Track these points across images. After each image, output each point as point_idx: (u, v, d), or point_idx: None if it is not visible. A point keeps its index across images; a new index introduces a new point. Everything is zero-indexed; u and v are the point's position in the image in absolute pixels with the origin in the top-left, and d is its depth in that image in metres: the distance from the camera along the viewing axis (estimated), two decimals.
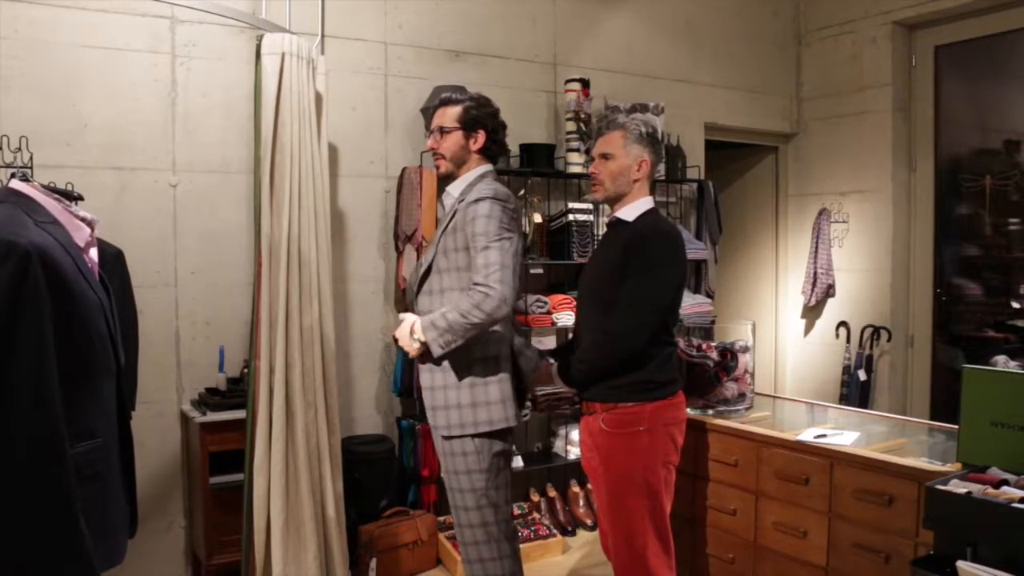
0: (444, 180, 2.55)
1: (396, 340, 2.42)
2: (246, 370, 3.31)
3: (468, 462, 2.40)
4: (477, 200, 2.35)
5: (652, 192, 2.58)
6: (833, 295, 5.08)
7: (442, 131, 2.48)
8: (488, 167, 2.51)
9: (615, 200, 2.53)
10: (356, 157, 3.82)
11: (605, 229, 2.69)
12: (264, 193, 3.03)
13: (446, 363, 2.39)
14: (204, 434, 3.14)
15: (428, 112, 3.85)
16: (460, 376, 2.39)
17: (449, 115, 2.48)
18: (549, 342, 3.96)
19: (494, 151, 2.53)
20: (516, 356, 2.51)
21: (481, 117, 2.47)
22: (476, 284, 2.28)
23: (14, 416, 1.55)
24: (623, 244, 2.42)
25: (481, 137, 2.47)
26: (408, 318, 2.39)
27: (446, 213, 2.50)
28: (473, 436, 2.38)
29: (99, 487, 1.73)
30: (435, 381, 2.43)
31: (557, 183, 4.32)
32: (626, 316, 2.36)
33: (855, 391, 4.86)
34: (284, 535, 2.99)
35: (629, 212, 2.49)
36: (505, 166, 3.97)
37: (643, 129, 2.51)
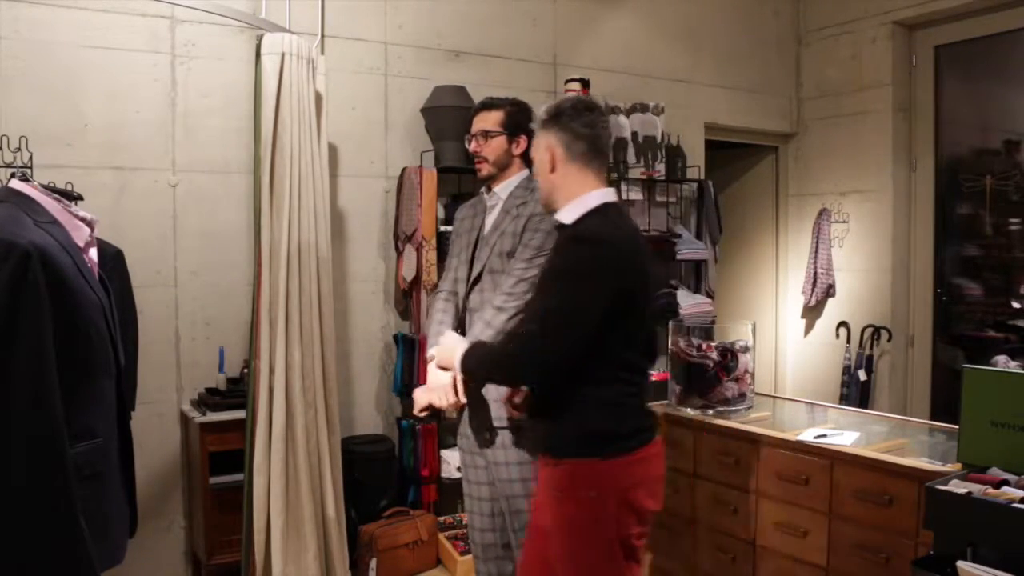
0: (481, 183, 2.55)
1: (431, 405, 2.28)
2: (246, 370, 3.31)
3: (523, 471, 2.36)
4: (546, 214, 2.32)
5: (607, 181, 2.06)
6: (833, 295, 5.07)
7: (486, 135, 2.46)
8: (527, 172, 2.50)
9: (552, 208, 2.07)
10: (356, 157, 3.81)
11: None
12: (264, 193, 3.03)
13: None
14: (204, 434, 3.14)
15: (430, 112, 3.86)
16: None
17: (492, 119, 2.47)
18: None
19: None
20: None
21: (523, 122, 2.46)
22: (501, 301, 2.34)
23: (14, 416, 1.55)
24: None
25: (523, 142, 2.46)
26: (440, 369, 2.26)
27: (493, 213, 2.49)
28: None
29: (99, 487, 1.73)
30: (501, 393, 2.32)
31: None
32: (540, 324, 1.90)
33: (855, 391, 4.86)
34: (284, 535, 2.99)
35: (567, 213, 2.02)
36: None
37: (541, 114, 2.07)
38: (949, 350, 4.80)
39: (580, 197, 1.99)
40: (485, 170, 2.49)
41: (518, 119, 2.46)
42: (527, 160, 2.49)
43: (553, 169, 2.02)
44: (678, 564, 2.94)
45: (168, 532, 3.40)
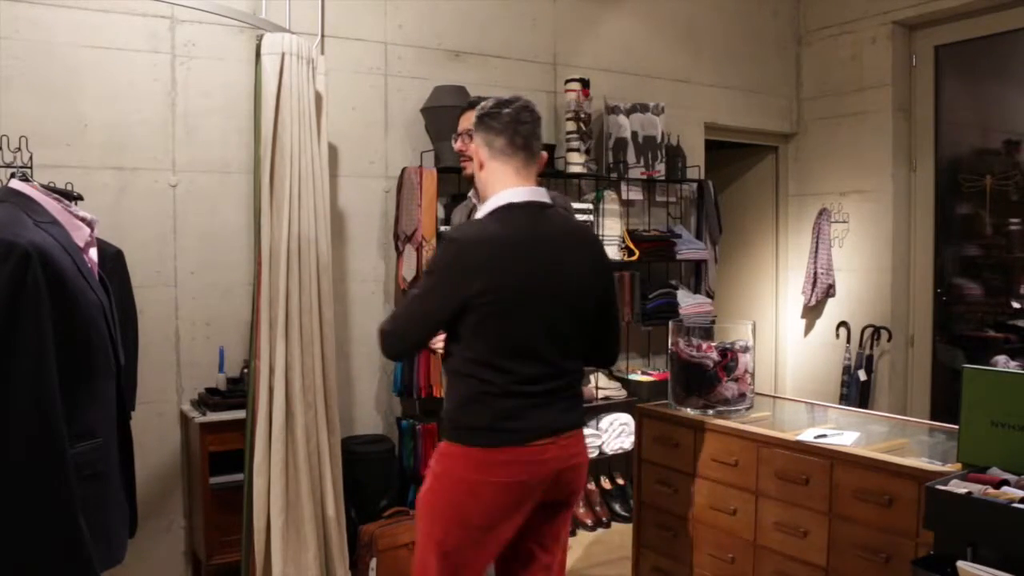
0: (470, 181, 2.55)
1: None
2: (246, 370, 3.31)
3: None
4: None
5: (531, 177, 2.08)
6: (833, 295, 5.08)
7: (471, 134, 2.48)
8: None
9: None
10: (356, 157, 3.81)
11: None
12: (264, 193, 3.03)
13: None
14: (204, 434, 3.14)
15: (429, 112, 3.86)
16: None
17: None
18: None
19: None
20: None
21: None
22: None
23: (13, 416, 1.55)
24: None
25: None
26: None
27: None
28: None
29: (99, 487, 1.73)
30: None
31: (557, 183, 4.32)
32: (397, 310, 2.04)
33: (855, 391, 4.86)
34: (284, 535, 2.99)
35: (480, 212, 2.11)
36: None
37: (473, 118, 2.14)
38: (949, 350, 4.80)
39: (495, 195, 2.03)
40: (470, 168, 2.49)
41: None
42: None
43: (482, 168, 2.08)
44: (678, 564, 2.94)
45: (168, 532, 3.40)
